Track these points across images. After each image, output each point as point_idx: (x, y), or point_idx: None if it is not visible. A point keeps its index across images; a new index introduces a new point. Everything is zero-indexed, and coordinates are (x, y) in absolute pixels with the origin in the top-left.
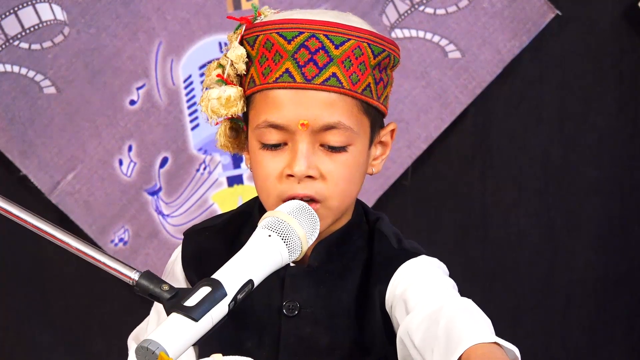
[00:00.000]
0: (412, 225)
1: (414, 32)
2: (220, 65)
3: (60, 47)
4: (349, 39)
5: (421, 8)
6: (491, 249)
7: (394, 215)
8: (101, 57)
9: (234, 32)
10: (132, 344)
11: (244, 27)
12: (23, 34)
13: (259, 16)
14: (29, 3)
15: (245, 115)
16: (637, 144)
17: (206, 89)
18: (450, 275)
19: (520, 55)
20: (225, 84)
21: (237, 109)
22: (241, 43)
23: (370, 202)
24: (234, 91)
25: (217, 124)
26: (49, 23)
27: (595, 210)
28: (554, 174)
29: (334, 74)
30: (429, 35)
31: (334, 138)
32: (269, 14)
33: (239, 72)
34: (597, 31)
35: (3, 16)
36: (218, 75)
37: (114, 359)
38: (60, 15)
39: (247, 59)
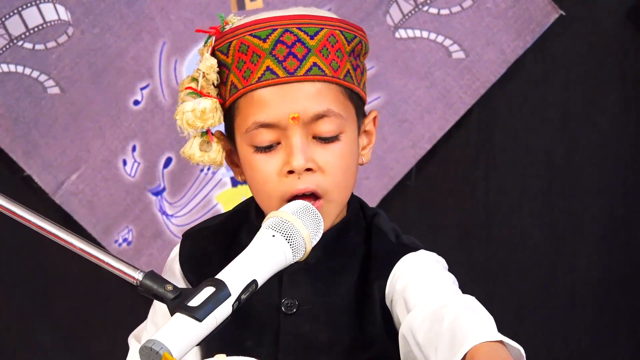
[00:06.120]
0: (416, 225)
1: (417, 32)
2: (194, 79)
3: (64, 47)
4: (322, 28)
5: (425, 8)
6: (494, 249)
7: (397, 215)
8: (105, 57)
9: (204, 45)
10: (132, 341)
11: (213, 39)
12: (27, 34)
13: (226, 25)
14: (33, 3)
15: (231, 125)
16: None
17: (181, 103)
18: (453, 275)
19: (524, 55)
20: (200, 97)
21: (214, 121)
22: (213, 54)
23: (374, 202)
24: (209, 103)
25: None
26: (52, 23)
27: (599, 210)
28: (557, 174)
29: (315, 64)
30: (432, 36)
31: (325, 127)
32: (236, 21)
33: (212, 82)
34: (600, 31)
35: (7, 16)
36: (188, 88)
37: (117, 359)
38: (64, 15)
39: (217, 69)
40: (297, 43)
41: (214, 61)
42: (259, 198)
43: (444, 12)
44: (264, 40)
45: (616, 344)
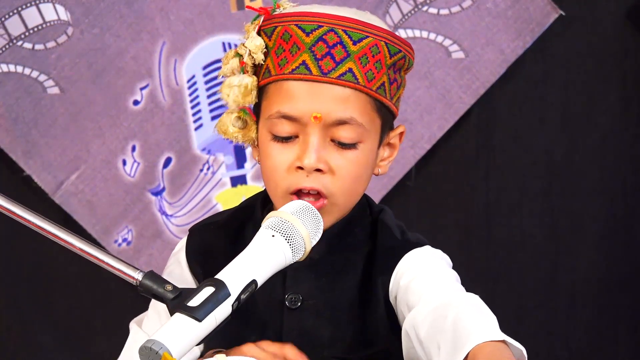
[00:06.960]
0: (416, 225)
1: (417, 32)
2: (238, 54)
3: (64, 47)
4: (367, 36)
5: (425, 8)
6: (494, 250)
7: (397, 215)
8: (105, 57)
9: (252, 23)
10: (133, 326)
11: (262, 18)
12: (27, 34)
13: (277, 8)
14: (33, 3)
15: (257, 106)
16: None
17: (223, 77)
18: None
19: (523, 55)
20: (244, 73)
21: (251, 98)
22: (258, 33)
23: None
24: (251, 81)
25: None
26: (52, 23)
27: (599, 210)
28: (557, 174)
29: (350, 70)
30: (432, 36)
31: (345, 134)
32: (287, 7)
33: (256, 62)
34: (600, 31)
35: (7, 16)
36: (242, 63)
37: (117, 359)
38: (64, 15)
39: (265, 49)
40: (338, 45)
41: (261, 41)
42: (267, 184)
43: (444, 12)
44: (307, 35)
45: (616, 344)
